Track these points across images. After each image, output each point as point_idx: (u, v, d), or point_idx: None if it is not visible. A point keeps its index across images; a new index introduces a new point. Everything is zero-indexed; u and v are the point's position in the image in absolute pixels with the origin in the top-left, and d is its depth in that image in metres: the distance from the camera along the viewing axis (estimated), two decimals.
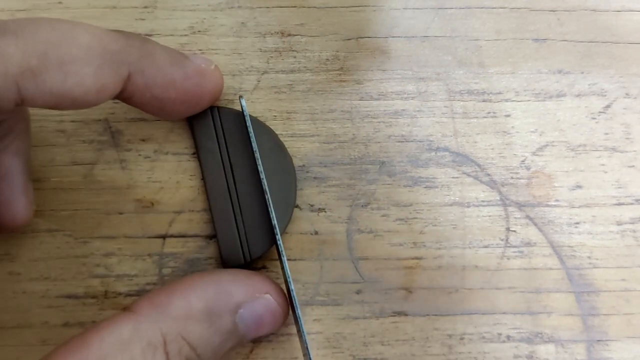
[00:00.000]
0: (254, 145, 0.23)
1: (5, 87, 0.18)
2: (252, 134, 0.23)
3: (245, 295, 0.21)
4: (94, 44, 0.19)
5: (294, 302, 0.22)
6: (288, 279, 0.22)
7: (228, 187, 0.24)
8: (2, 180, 0.22)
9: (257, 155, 0.23)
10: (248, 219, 0.24)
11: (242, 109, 0.24)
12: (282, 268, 0.23)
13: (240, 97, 0.24)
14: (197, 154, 0.25)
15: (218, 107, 0.24)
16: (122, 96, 0.21)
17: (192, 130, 0.25)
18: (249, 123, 0.23)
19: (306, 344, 0.22)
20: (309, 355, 0.22)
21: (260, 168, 0.23)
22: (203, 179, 0.24)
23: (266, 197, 0.23)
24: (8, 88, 0.18)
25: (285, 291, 0.23)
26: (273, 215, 0.23)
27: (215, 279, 0.21)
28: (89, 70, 0.19)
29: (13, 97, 0.18)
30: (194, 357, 0.20)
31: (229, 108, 0.25)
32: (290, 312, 0.23)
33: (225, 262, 0.24)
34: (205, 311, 0.20)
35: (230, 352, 0.22)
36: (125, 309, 0.20)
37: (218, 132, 0.24)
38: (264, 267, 0.24)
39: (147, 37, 0.22)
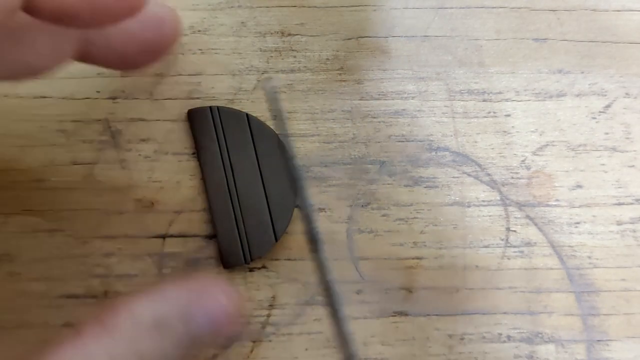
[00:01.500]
0: (283, 122, 0.23)
1: None
2: (282, 115, 0.23)
3: (194, 300, 0.21)
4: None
5: (335, 301, 0.22)
6: (329, 282, 0.22)
7: (228, 187, 0.24)
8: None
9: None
10: (248, 219, 0.24)
11: (268, 91, 0.23)
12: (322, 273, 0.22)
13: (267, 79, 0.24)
14: (197, 153, 0.25)
15: (218, 107, 0.24)
16: (80, 56, 0.21)
17: (192, 130, 0.25)
18: (278, 105, 0.23)
19: (346, 338, 0.21)
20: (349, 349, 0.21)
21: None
22: (203, 178, 0.24)
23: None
24: None
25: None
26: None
27: (162, 289, 0.21)
28: (45, 37, 0.19)
29: None
30: None
31: (229, 108, 0.25)
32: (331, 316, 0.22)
33: (225, 262, 0.24)
34: (154, 323, 0.20)
35: (196, 356, 0.22)
36: (73, 331, 0.19)
37: (218, 132, 0.24)
38: (263, 267, 0.24)
39: None
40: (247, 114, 0.24)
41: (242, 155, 0.24)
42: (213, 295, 0.21)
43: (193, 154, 0.25)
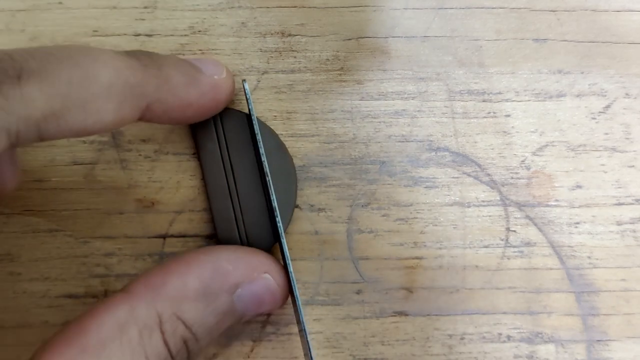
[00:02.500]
0: (259, 137, 0.23)
1: (27, 130, 0.18)
2: (255, 121, 0.23)
3: (244, 275, 0.21)
4: (114, 80, 0.19)
5: (297, 302, 0.22)
6: (292, 281, 0.22)
7: (229, 188, 0.24)
8: None
9: (262, 150, 0.23)
10: (248, 219, 0.24)
11: (245, 92, 0.24)
12: (286, 269, 0.23)
13: (244, 81, 0.24)
14: (198, 154, 0.25)
15: None
16: (141, 120, 0.21)
17: (193, 131, 0.25)
18: (251, 106, 0.23)
19: (309, 344, 0.22)
20: (311, 355, 0.22)
21: (266, 165, 0.23)
22: (203, 179, 0.24)
23: (272, 197, 0.23)
24: (30, 131, 0.18)
25: (288, 290, 0.23)
26: (278, 215, 0.23)
27: (213, 258, 0.21)
28: (110, 107, 0.19)
29: (33, 138, 0.18)
30: (189, 337, 0.20)
31: (230, 108, 0.25)
32: (293, 312, 0.23)
33: None
34: (201, 291, 0.20)
35: (229, 330, 0.22)
36: (121, 290, 0.20)
37: (219, 133, 0.24)
38: None
39: (159, 55, 0.22)
40: (247, 114, 0.24)
41: (243, 155, 0.24)
42: (264, 278, 0.22)
43: (193, 154, 0.25)
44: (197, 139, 0.24)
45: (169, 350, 0.19)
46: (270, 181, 0.23)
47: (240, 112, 0.24)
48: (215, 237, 0.24)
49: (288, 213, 0.24)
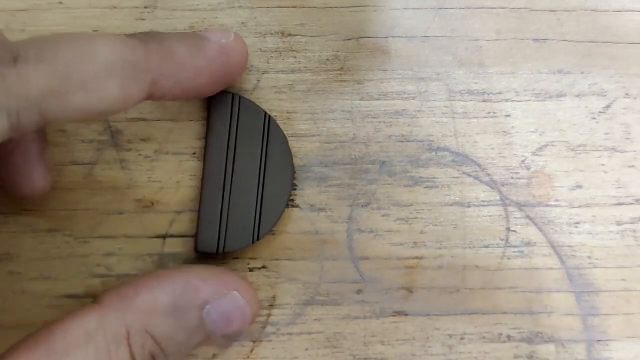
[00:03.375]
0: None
1: (27, 110, 0.18)
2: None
3: (213, 291, 0.21)
4: (113, 57, 0.19)
5: None
6: None
7: (225, 175, 0.24)
8: (16, 149, 0.22)
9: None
10: (234, 211, 0.24)
11: None
12: None
13: None
14: (206, 135, 0.24)
15: (240, 96, 0.24)
16: (152, 98, 0.21)
17: (209, 111, 0.24)
18: None
19: None
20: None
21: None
22: (204, 159, 0.24)
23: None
24: (31, 111, 0.18)
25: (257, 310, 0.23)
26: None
27: (183, 274, 0.21)
28: (112, 84, 0.19)
29: (35, 120, 0.18)
30: (158, 352, 0.20)
31: (250, 100, 0.24)
32: None
33: (197, 246, 0.24)
34: (171, 306, 0.20)
35: (197, 348, 0.22)
36: (93, 300, 0.20)
37: (232, 120, 0.24)
38: (264, 267, 0.24)
39: (160, 32, 0.22)
40: (266, 112, 0.24)
41: (249, 149, 0.24)
42: (233, 295, 0.22)
43: (193, 153, 0.25)
44: (210, 120, 0.24)
45: None
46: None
47: (260, 108, 0.24)
48: (197, 219, 0.24)
49: (274, 216, 0.24)
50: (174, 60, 0.21)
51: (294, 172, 0.25)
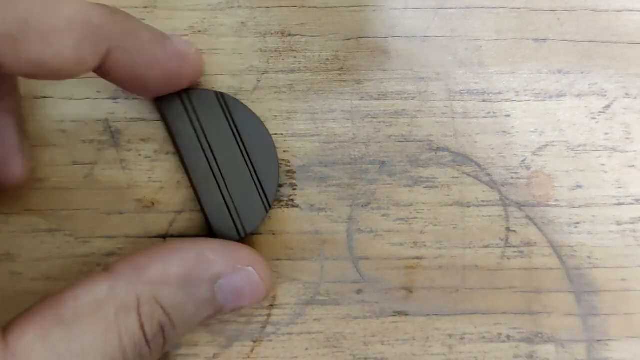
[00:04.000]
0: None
1: None
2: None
3: (226, 266, 0.21)
4: (76, 16, 0.19)
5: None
6: None
7: (210, 167, 0.24)
8: None
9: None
10: (236, 193, 0.24)
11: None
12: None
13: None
14: (173, 140, 0.24)
15: (187, 90, 0.24)
16: (101, 71, 0.21)
17: (164, 117, 0.24)
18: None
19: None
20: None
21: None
22: (183, 164, 0.24)
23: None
24: None
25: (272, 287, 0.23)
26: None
27: (197, 247, 0.21)
28: (69, 42, 0.19)
29: None
30: (166, 322, 0.20)
31: (196, 88, 0.24)
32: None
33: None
34: (182, 277, 0.20)
35: (207, 321, 0.22)
36: (104, 268, 0.20)
37: (191, 115, 0.24)
38: None
39: (129, 14, 0.22)
40: (216, 92, 0.24)
41: (220, 132, 0.24)
42: (248, 271, 0.21)
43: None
44: (170, 125, 0.24)
45: (144, 333, 0.19)
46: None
47: (210, 90, 0.24)
48: (207, 222, 0.24)
49: (274, 181, 0.24)
50: (135, 40, 0.21)
51: (270, 136, 0.25)
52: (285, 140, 0.25)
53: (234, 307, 0.22)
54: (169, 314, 0.20)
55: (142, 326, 0.19)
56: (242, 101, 0.25)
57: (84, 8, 0.20)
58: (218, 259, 0.21)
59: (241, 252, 0.22)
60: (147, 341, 0.20)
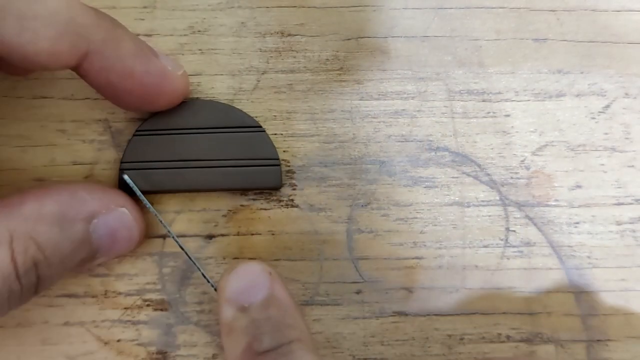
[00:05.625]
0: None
1: None
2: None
3: (101, 206, 0.21)
4: (61, 9, 0.19)
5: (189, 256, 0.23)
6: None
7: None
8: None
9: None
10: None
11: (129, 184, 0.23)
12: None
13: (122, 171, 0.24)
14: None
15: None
16: (79, 72, 0.21)
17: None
18: (141, 197, 0.23)
19: (202, 271, 0.23)
20: (208, 280, 0.23)
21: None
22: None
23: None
24: None
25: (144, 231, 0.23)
26: None
27: (71, 187, 0.21)
28: (47, 32, 0.19)
29: None
30: (41, 259, 0.20)
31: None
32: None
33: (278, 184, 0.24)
34: (57, 215, 0.20)
35: (81, 267, 0.22)
36: None
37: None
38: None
39: (119, 23, 0.22)
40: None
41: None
42: (121, 212, 0.22)
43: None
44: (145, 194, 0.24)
45: (15, 267, 0.19)
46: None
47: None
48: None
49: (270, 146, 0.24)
50: (116, 49, 0.21)
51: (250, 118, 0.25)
52: (285, 140, 0.25)
53: (108, 252, 0.22)
54: (44, 250, 0.20)
55: (13, 259, 0.19)
56: (242, 101, 0.25)
57: (71, 5, 0.20)
58: (92, 199, 0.21)
59: (114, 193, 0.22)
60: (17, 276, 0.19)
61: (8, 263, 0.19)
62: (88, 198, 0.21)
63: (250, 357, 0.20)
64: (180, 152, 0.24)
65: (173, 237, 0.23)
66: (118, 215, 0.22)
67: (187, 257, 0.23)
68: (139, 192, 0.23)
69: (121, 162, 0.24)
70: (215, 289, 0.22)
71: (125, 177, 0.23)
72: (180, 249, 0.24)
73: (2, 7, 0.18)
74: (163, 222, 0.23)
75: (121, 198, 0.22)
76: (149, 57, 0.22)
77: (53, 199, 0.21)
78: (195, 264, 0.23)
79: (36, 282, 0.20)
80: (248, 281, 0.21)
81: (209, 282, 0.23)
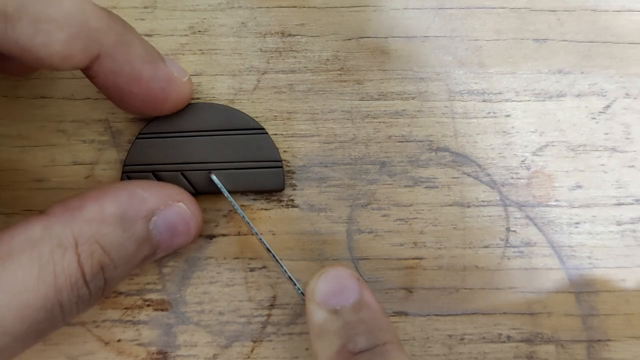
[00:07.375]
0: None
1: None
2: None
3: (159, 202, 0.21)
4: (75, 12, 0.19)
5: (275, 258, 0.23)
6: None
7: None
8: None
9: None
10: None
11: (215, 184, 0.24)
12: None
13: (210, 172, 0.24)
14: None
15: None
16: (87, 73, 0.21)
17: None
18: (229, 197, 0.24)
19: (289, 274, 0.23)
20: (295, 283, 0.23)
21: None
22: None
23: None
24: None
25: (201, 223, 0.23)
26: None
27: (127, 186, 0.21)
28: (61, 35, 0.19)
29: None
30: (107, 262, 0.20)
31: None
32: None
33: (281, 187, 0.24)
34: (118, 216, 0.20)
35: (143, 264, 0.22)
36: (40, 212, 0.20)
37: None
38: (264, 267, 0.25)
39: (130, 25, 0.22)
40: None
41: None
42: (179, 206, 0.22)
43: None
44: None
45: (82, 273, 0.19)
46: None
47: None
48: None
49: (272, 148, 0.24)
50: (127, 52, 0.21)
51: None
52: (285, 140, 0.25)
53: (168, 246, 0.22)
54: (109, 253, 0.20)
55: (80, 265, 0.19)
56: (242, 101, 0.25)
57: (85, 8, 0.20)
58: (150, 196, 0.21)
59: (170, 189, 0.22)
60: (85, 282, 0.19)
61: (75, 268, 0.19)
62: (146, 196, 0.21)
63: (345, 358, 0.20)
64: (183, 155, 0.24)
65: (260, 239, 0.23)
66: (176, 210, 0.22)
67: (274, 259, 0.23)
68: (226, 193, 0.24)
69: (124, 165, 0.24)
70: (302, 293, 0.23)
71: (213, 177, 0.24)
72: (180, 249, 0.24)
73: (17, 9, 0.18)
74: (250, 224, 0.23)
75: (177, 193, 0.22)
76: (157, 63, 0.22)
77: (113, 199, 0.21)
78: (282, 267, 0.23)
79: (103, 285, 0.20)
80: (338, 285, 0.21)
81: (295, 285, 0.23)
